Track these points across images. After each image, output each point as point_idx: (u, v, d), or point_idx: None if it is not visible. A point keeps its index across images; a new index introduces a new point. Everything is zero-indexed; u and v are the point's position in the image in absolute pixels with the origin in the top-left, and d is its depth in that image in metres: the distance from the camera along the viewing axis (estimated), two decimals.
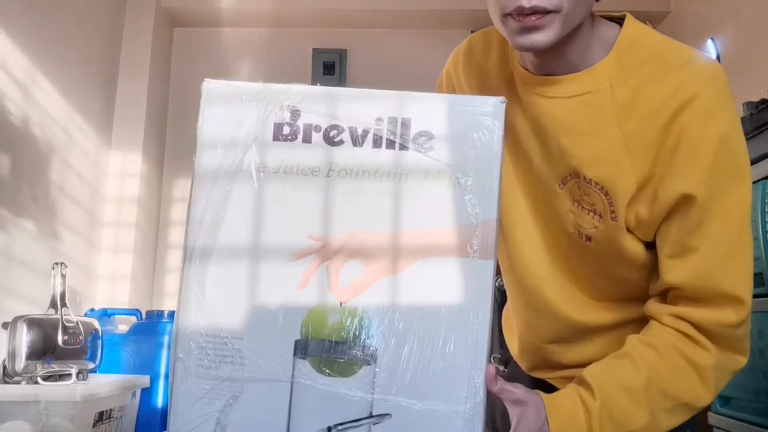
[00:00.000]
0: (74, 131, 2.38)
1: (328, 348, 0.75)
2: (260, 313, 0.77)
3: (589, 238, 0.85)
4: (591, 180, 0.83)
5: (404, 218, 0.76)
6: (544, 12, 0.77)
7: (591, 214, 0.84)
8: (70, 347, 1.85)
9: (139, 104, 2.79)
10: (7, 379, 1.76)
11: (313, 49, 3.08)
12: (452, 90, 1.03)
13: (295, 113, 0.78)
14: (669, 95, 0.78)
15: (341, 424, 0.73)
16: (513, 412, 0.76)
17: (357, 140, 0.77)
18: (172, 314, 2.26)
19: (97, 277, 2.55)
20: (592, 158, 0.83)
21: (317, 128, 0.78)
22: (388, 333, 0.75)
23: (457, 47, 1.03)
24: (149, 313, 2.40)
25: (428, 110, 0.77)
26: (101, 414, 1.77)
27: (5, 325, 1.80)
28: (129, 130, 2.76)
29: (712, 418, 1.74)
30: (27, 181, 2.09)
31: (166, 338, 2.23)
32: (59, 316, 1.88)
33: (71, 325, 1.89)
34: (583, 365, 0.85)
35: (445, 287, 0.75)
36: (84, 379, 1.87)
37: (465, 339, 0.73)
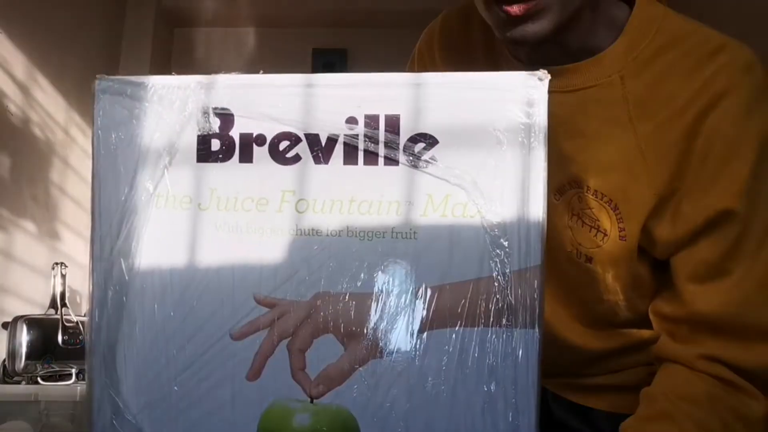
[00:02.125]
0: (74, 131, 2.34)
1: None
2: (198, 414, 0.53)
3: (589, 259, 0.71)
4: (596, 192, 0.69)
5: (396, 271, 0.50)
6: None
7: (593, 231, 0.70)
8: (70, 347, 1.83)
9: None
10: (7, 379, 1.75)
11: (313, 49, 3.03)
12: None
13: (227, 118, 0.52)
14: (695, 91, 0.65)
15: None
16: None
17: (320, 154, 0.51)
18: None
19: None
20: (599, 165, 0.68)
21: (260, 139, 0.52)
22: None
23: (430, 25, 0.87)
24: None
25: (426, 100, 0.50)
26: None
27: (5, 325, 1.78)
28: None
29: None
30: (27, 181, 2.06)
31: None
32: (59, 316, 1.86)
33: (71, 325, 1.87)
34: (589, 375, 0.77)
35: (462, 374, 0.49)
36: (84, 379, 1.79)
37: None
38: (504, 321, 0.48)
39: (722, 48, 0.66)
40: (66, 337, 1.82)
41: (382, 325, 0.50)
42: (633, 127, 0.67)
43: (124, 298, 0.53)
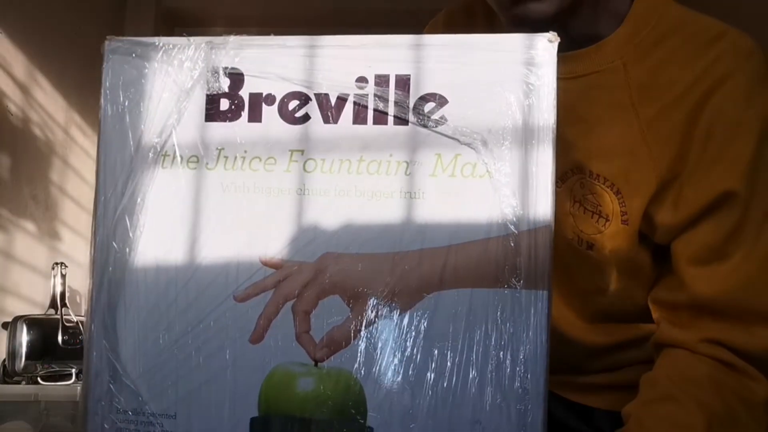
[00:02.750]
0: (74, 131, 2.34)
1: (300, 429, 0.50)
2: (199, 380, 0.52)
3: (590, 246, 0.71)
4: (599, 176, 0.69)
5: (404, 231, 0.49)
6: None
7: (595, 216, 0.71)
8: (70, 347, 1.82)
9: None
10: (7, 379, 1.74)
11: None
12: None
13: (237, 78, 0.52)
14: (697, 75, 0.66)
15: None
16: None
17: (330, 114, 0.51)
18: None
19: None
20: (602, 150, 0.69)
21: (269, 99, 0.52)
22: (389, 410, 0.49)
23: (433, 19, 0.87)
24: None
25: (436, 60, 0.50)
26: None
27: (5, 325, 1.77)
28: None
29: None
30: (27, 181, 2.06)
31: None
32: (59, 316, 1.86)
33: (71, 325, 1.86)
34: (589, 372, 0.78)
35: (470, 336, 0.48)
36: None
37: (508, 420, 0.47)
38: (513, 282, 0.48)
39: (723, 34, 0.67)
40: (66, 337, 1.82)
41: (389, 287, 0.49)
42: (635, 112, 0.68)
43: (127, 259, 0.53)
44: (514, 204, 0.48)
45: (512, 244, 0.48)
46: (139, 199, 0.52)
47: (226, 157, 0.52)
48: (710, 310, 0.66)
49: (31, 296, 2.01)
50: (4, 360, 1.74)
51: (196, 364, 0.52)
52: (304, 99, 0.51)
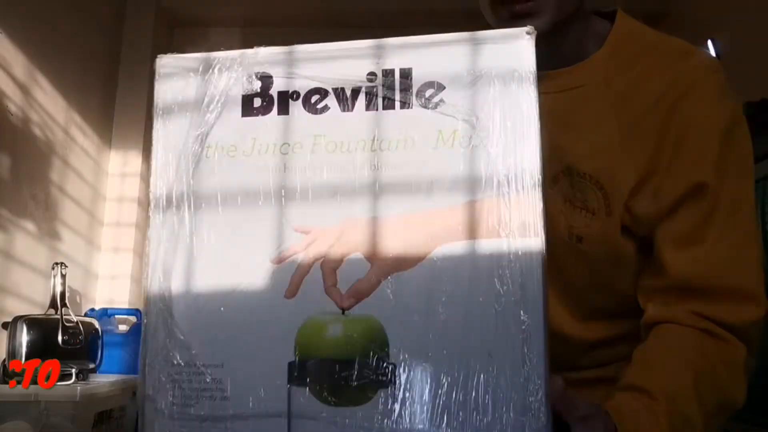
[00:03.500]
0: (74, 131, 2.37)
1: (332, 369, 0.59)
2: (241, 332, 0.61)
3: (580, 239, 0.80)
4: (585, 174, 0.79)
5: (414, 195, 0.59)
6: None
7: (583, 212, 0.80)
8: (70, 347, 1.83)
9: (139, 104, 2.73)
10: (7, 379, 1.73)
11: None
12: None
13: (267, 80, 0.62)
14: (669, 84, 0.76)
15: None
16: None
17: (346, 103, 0.61)
18: None
19: (97, 277, 2.53)
20: (588, 152, 0.79)
21: (295, 95, 0.62)
22: (408, 346, 0.58)
23: None
24: None
25: (432, 55, 0.60)
26: (101, 414, 1.71)
27: (5, 325, 1.77)
28: (129, 130, 2.71)
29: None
30: (27, 181, 2.08)
31: None
32: (59, 316, 1.86)
33: (71, 325, 1.86)
34: (581, 368, 0.83)
35: (475, 279, 0.58)
36: (84, 379, 1.82)
37: (512, 347, 0.57)
38: (509, 232, 0.57)
39: (692, 51, 0.79)
40: (66, 337, 1.82)
41: (404, 242, 0.59)
42: (617, 118, 0.78)
43: (179, 232, 0.62)
44: (507, 165, 0.58)
45: (505, 201, 0.57)
46: (188, 185, 0.62)
47: (261, 145, 0.62)
48: (692, 290, 0.74)
49: (31, 296, 2.03)
50: (4, 360, 1.76)
51: (239, 320, 0.61)
52: (324, 93, 0.61)
